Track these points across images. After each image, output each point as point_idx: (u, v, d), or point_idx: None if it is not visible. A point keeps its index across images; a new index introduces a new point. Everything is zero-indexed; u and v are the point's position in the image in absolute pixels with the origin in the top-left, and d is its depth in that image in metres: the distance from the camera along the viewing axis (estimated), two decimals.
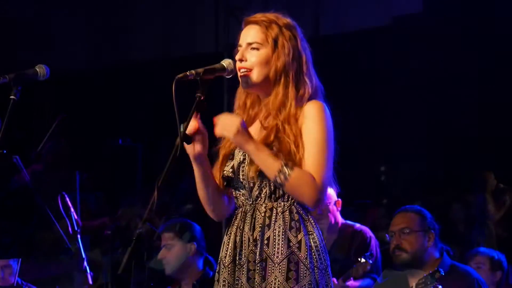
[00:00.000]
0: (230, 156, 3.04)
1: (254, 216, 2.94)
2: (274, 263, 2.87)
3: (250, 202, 2.96)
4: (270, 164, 2.87)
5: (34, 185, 6.27)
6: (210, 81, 2.90)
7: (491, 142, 7.68)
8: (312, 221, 2.95)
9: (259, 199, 2.95)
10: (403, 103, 8.07)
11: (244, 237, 2.94)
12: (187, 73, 2.86)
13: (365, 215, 7.95)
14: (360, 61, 8.16)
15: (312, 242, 2.91)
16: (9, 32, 9.88)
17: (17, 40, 10.00)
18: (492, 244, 6.79)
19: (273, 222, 2.91)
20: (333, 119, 2.98)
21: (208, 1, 9.36)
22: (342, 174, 3.05)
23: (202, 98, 2.87)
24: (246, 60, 2.99)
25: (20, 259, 5.23)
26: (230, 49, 3.17)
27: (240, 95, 3.12)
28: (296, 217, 2.91)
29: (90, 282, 5.12)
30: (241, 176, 2.97)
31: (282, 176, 2.85)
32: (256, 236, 2.91)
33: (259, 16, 3.04)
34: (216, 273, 3.04)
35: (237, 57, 3.01)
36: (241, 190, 2.99)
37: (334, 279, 4.68)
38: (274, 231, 2.90)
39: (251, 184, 2.95)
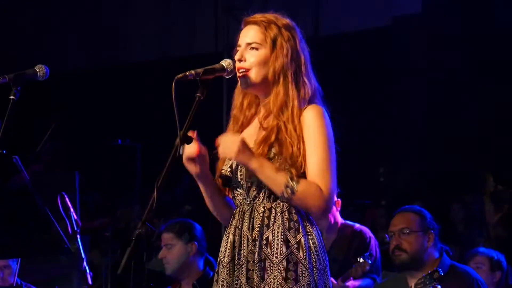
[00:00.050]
0: None
1: (252, 216, 2.94)
2: (273, 263, 2.87)
3: (248, 202, 2.96)
4: (275, 180, 2.86)
5: (33, 186, 6.25)
6: (209, 81, 2.89)
7: (491, 143, 7.68)
8: (311, 221, 2.95)
9: (257, 199, 2.94)
10: (403, 103, 8.08)
11: (243, 237, 2.94)
12: (187, 73, 2.85)
13: (364, 215, 7.96)
14: (360, 61, 8.16)
15: (311, 243, 2.91)
16: (9, 32, 9.89)
17: (17, 40, 10.01)
18: (491, 244, 6.79)
19: (272, 222, 2.91)
20: (332, 120, 2.98)
21: (208, 1, 9.36)
22: (341, 175, 3.04)
23: (202, 98, 2.87)
24: (245, 60, 2.98)
25: (19, 260, 5.22)
26: (230, 49, 3.16)
27: (238, 95, 3.12)
28: (295, 217, 2.91)
29: (90, 282, 5.11)
30: (239, 176, 2.97)
31: (289, 191, 2.85)
32: (255, 236, 2.90)
33: (258, 17, 3.03)
34: (215, 273, 3.04)
35: (236, 57, 3.00)
36: (239, 190, 2.99)
37: (333, 279, 4.68)
38: (273, 231, 2.90)
39: (249, 184, 2.95)
